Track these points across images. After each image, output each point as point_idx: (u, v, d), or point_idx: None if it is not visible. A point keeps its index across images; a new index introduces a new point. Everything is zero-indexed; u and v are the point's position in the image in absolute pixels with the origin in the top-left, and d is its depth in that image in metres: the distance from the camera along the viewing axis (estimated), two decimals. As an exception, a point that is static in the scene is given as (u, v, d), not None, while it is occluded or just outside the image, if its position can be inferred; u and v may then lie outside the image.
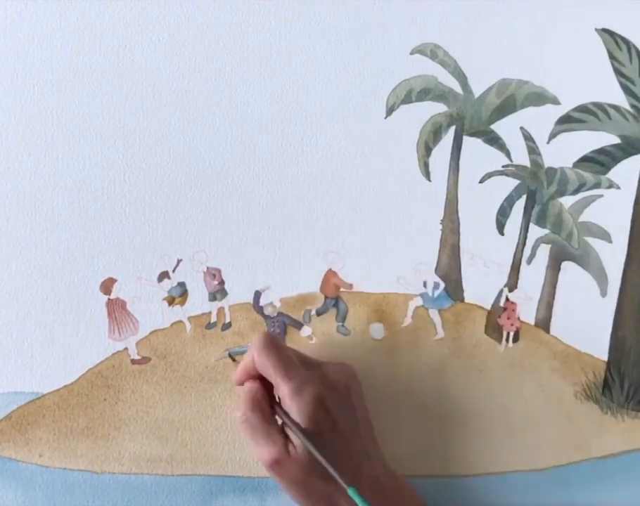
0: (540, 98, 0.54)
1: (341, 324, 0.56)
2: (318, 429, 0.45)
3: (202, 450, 0.55)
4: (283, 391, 0.45)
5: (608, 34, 0.54)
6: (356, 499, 0.42)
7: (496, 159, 0.55)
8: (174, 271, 0.54)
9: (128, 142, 0.53)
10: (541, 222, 0.56)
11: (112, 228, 0.54)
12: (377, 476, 0.47)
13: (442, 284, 0.56)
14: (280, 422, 0.47)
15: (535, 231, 0.56)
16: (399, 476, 0.49)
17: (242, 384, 0.49)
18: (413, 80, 0.54)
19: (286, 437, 0.45)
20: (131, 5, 0.52)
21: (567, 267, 0.56)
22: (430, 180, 0.55)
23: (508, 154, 0.55)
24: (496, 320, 0.56)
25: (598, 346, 0.56)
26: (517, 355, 0.56)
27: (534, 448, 0.55)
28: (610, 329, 0.56)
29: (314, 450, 0.44)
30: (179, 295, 0.55)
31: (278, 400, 0.48)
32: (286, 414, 0.46)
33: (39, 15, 0.52)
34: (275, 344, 0.48)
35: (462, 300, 0.56)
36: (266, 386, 0.48)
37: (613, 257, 0.56)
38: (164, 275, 0.54)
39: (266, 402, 0.47)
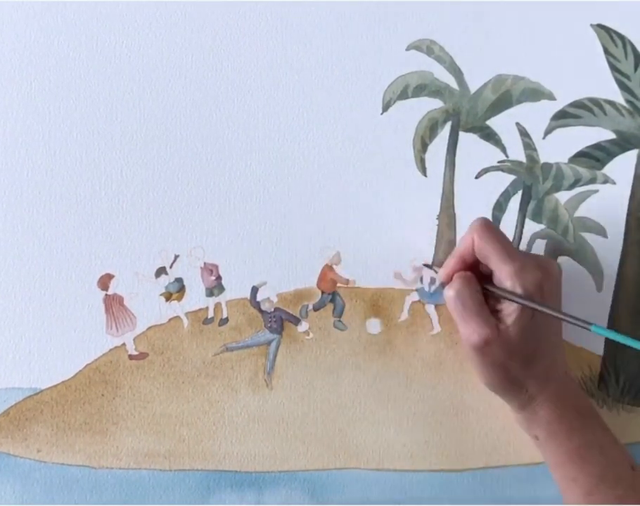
0: (536, 93, 0.55)
1: (338, 319, 0.56)
2: (531, 312, 0.46)
3: (200, 445, 0.55)
4: (505, 271, 0.46)
5: (603, 30, 0.54)
6: (603, 332, 0.44)
7: (492, 154, 0.55)
8: (171, 267, 0.54)
9: (125, 138, 0.53)
10: (537, 217, 0.56)
11: (110, 224, 0.54)
12: (564, 371, 0.49)
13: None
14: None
15: (531, 226, 0.56)
16: (576, 382, 0.51)
17: (450, 278, 0.49)
18: (409, 76, 0.54)
19: (496, 318, 0.46)
20: (131, 7, 0.52)
21: (563, 262, 0.56)
22: (426, 176, 0.55)
23: (503, 150, 0.55)
24: (493, 315, 0.56)
25: (594, 341, 0.56)
26: (514, 350, 0.56)
27: (529, 442, 0.55)
28: (605, 324, 0.56)
29: (545, 308, 0.45)
30: (177, 291, 0.55)
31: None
32: (503, 289, 0.46)
33: (39, 15, 0.52)
34: (495, 228, 0.48)
35: (458, 295, 0.56)
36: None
37: (609, 252, 0.56)
38: (161, 271, 0.54)
39: (478, 286, 0.48)
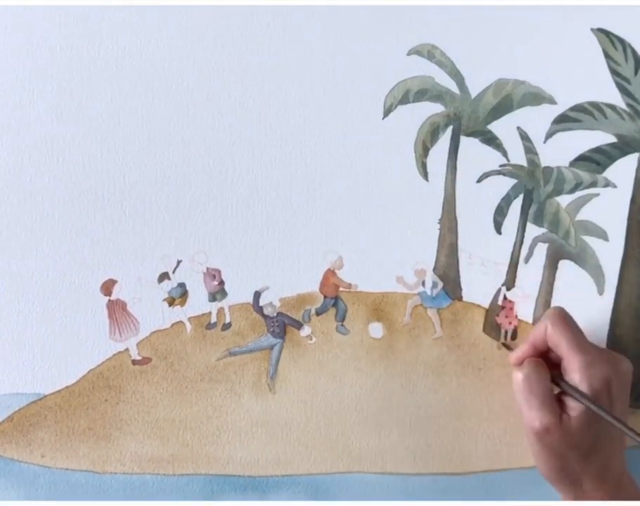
0: (536, 97, 0.55)
1: (340, 323, 0.56)
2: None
3: (204, 449, 0.55)
4: (575, 362, 0.47)
5: (603, 34, 0.54)
6: None
7: (493, 158, 0.55)
8: (174, 272, 0.54)
9: (128, 143, 0.53)
10: (538, 221, 0.56)
11: (113, 230, 0.54)
12: (622, 471, 0.49)
13: (441, 284, 0.56)
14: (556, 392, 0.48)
15: (532, 230, 0.56)
16: (636, 482, 0.50)
17: (521, 362, 0.50)
18: (411, 81, 0.54)
19: (561, 409, 0.47)
20: (132, 11, 0.53)
21: (565, 265, 0.56)
22: (427, 180, 0.55)
23: (505, 154, 0.55)
24: (495, 319, 0.56)
25: (596, 344, 0.56)
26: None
27: (532, 445, 0.56)
28: (607, 327, 0.56)
29: (604, 412, 0.45)
30: (179, 296, 0.55)
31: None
32: (569, 385, 0.47)
33: (40, 18, 0.52)
34: (570, 318, 0.49)
35: (460, 299, 0.56)
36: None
37: (610, 255, 0.56)
38: (164, 276, 0.54)
39: (548, 374, 0.48)
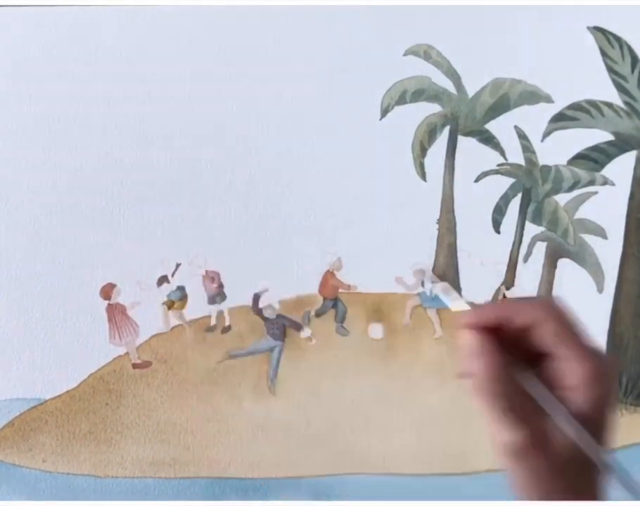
0: (533, 96, 0.55)
1: (340, 324, 0.56)
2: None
3: (205, 452, 0.55)
4: (577, 369, 0.29)
5: (600, 32, 0.54)
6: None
7: (491, 158, 0.55)
8: (173, 275, 0.54)
9: (127, 148, 0.53)
10: (536, 220, 0.56)
11: (111, 234, 0.54)
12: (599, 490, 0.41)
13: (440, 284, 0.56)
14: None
15: (531, 229, 0.56)
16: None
17: (476, 327, 0.33)
18: (407, 81, 0.54)
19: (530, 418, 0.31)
20: (132, 11, 0.53)
21: (564, 264, 0.56)
22: (425, 180, 0.55)
23: (502, 153, 0.55)
24: (494, 318, 0.56)
25: (596, 342, 0.56)
26: (516, 352, 0.56)
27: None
28: (607, 325, 0.56)
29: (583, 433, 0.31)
30: (179, 299, 0.55)
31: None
32: (554, 404, 0.32)
33: (39, 21, 0.52)
34: (571, 314, 0.37)
35: (460, 299, 0.56)
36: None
37: (609, 253, 0.56)
38: (163, 280, 0.54)
39: (509, 374, 0.32)
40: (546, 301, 0.34)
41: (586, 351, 0.31)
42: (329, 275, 0.55)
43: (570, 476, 0.32)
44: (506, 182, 0.55)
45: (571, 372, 0.32)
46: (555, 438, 0.31)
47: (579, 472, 0.32)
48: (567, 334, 0.32)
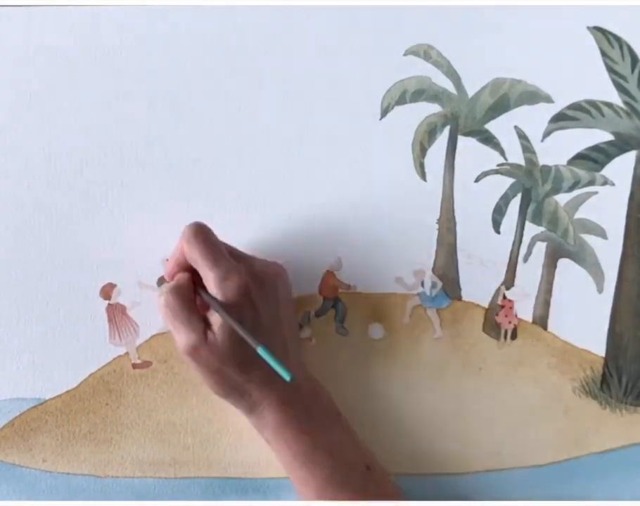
0: (533, 96, 0.55)
1: (340, 325, 0.56)
2: (240, 318, 0.45)
3: (205, 452, 0.55)
4: (209, 278, 0.46)
5: (600, 32, 0.54)
6: (267, 357, 0.43)
7: (491, 158, 0.55)
8: (173, 275, 0.54)
9: (126, 146, 0.54)
10: (536, 220, 0.56)
11: (112, 233, 0.54)
12: (291, 367, 0.48)
13: (440, 284, 0.56)
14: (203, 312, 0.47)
15: (531, 229, 0.56)
16: (316, 382, 0.51)
17: (173, 278, 0.49)
18: (407, 81, 0.54)
19: (206, 325, 0.46)
20: (132, 12, 0.53)
21: (564, 264, 0.56)
22: (425, 180, 0.55)
23: (502, 153, 0.55)
24: (494, 318, 0.56)
25: (596, 342, 0.56)
26: (516, 352, 0.57)
27: (533, 444, 0.56)
28: (607, 325, 0.56)
29: (230, 319, 0.44)
30: (179, 299, 0.55)
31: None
32: (209, 295, 0.46)
33: (38, 21, 0.52)
34: (205, 233, 0.48)
35: (459, 299, 0.56)
36: (196, 281, 0.48)
37: (609, 253, 0.56)
38: (163, 280, 0.54)
39: (190, 291, 0.47)
40: (185, 231, 0.47)
41: (213, 260, 0.46)
42: (329, 275, 0.55)
43: (237, 362, 0.46)
44: (506, 182, 0.55)
45: (205, 280, 0.46)
46: (214, 337, 0.45)
47: (244, 357, 0.45)
48: (197, 252, 0.46)
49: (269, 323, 0.47)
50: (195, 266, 0.47)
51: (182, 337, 0.46)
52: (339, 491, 0.47)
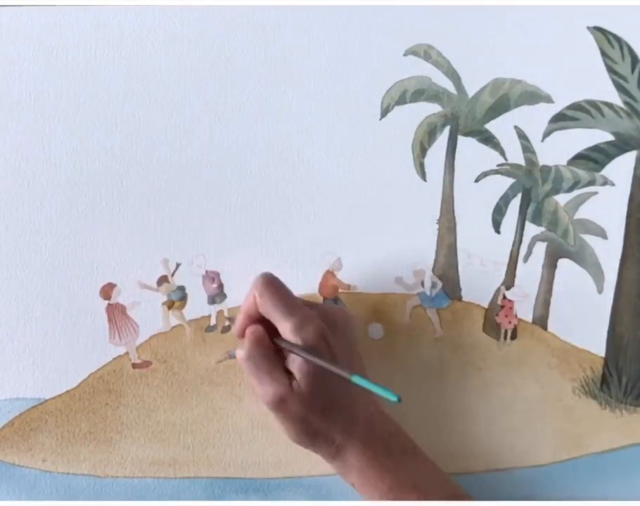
0: (533, 96, 0.55)
1: (340, 325, 0.56)
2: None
3: (205, 452, 0.55)
4: (285, 327, 0.46)
5: (599, 32, 0.54)
6: (365, 384, 0.43)
7: (491, 158, 0.55)
8: (173, 275, 0.55)
9: (126, 147, 0.53)
10: (536, 220, 0.56)
11: (111, 233, 0.54)
12: (371, 413, 0.49)
13: (440, 284, 0.56)
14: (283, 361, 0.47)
15: (531, 229, 0.56)
16: (392, 419, 0.50)
17: (243, 333, 0.49)
18: (407, 81, 0.54)
19: (289, 375, 0.46)
20: (131, 11, 0.53)
21: (564, 264, 0.56)
22: (425, 180, 0.55)
23: (502, 153, 0.55)
24: (494, 318, 0.56)
25: (596, 342, 0.56)
26: (516, 352, 0.57)
27: (533, 444, 0.56)
28: (607, 325, 0.56)
29: (317, 359, 0.45)
30: (179, 299, 0.55)
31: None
32: (289, 342, 0.46)
33: (37, 21, 0.52)
34: (276, 284, 0.48)
35: (460, 299, 0.56)
36: (269, 332, 0.48)
37: (609, 253, 0.56)
38: (163, 280, 0.54)
39: (269, 341, 0.47)
40: (256, 283, 0.48)
41: (286, 309, 0.46)
42: (329, 275, 0.55)
43: (320, 408, 0.46)
44: (506, 182, 0.55)
45: (282, 329, 0.46)
46: (299, 385, 0.45)
47: (327, 402, 0.46)
48: (271, 303, 0.47)
49: (344, 363, 0.47)
50: (268, 317, 0.47)
51: (268, 389, 0.46)
52: None
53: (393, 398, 0.42)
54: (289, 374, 0.46)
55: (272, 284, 0.48)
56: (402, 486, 0.48)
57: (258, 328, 0.48)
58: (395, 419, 0.50)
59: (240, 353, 0.47)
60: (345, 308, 0.51)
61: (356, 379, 0.43)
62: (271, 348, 0.47)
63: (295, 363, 0.46)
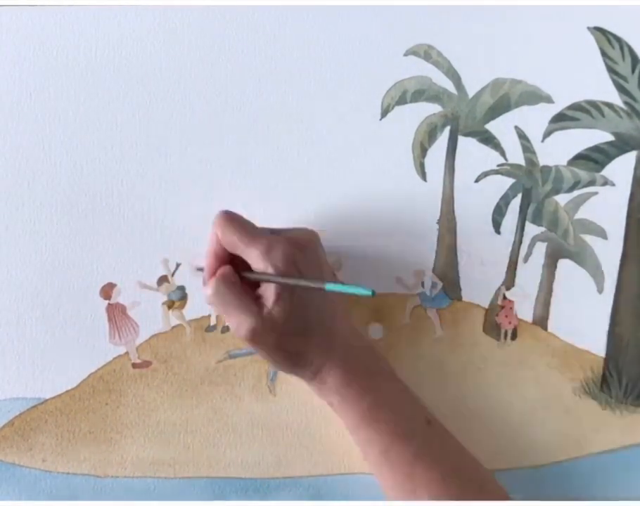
0: (534, 96, 0.55)
1: (340, 325, 0.56)
2: (290, 288, 0.46)
3: (205, 452, 0.55)
4: (253, 254, 0.46)
5: (600, 32, 0.54)
6: (338, 287, 0.43)
7: (491, 158, 0.55)
8: (173, 275, 0.55)
9: (127, 147, 0.54)
10: (537, 220, 0.56)
11: (112, 233, 0.54)
12: (348, 335, 0.49)
13: (440, 284, 0.56)
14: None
15: (531, 229, 0.56)
16: (372, 344, 0.51)
17: (214, 273, 0.48)
18: (408, 81, 0.54)
19: (259, 305, 0.46)
20: (131, 11, 0.53)
21: (564, 264, 0.56)
22: (425, 181, 0.55)
23: (502, 153, 0.55)
24: (494, 318, 0.56)
25: (596, 343, 0.56)
26: (516, 352, 0.57)
27: (533, 444, 0.56)
28: (607, 326, 0.56)
29: (287, 279, 0.45)
30: (179, 299, 0.55)
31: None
32: (257, 273, 0.46)
33: (37, 21, 0.52)
34: (236, 216, 0.48)
35: (460, 299, 0.56)
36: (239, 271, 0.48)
37: (609, 254, 0.56)
38: (163, 280, 0.54)
39: (235, 277, 0.47)
40: (216, 220, 0.47)
41: (251, 238, 0.46)
42: (329, 275, 0.55)
43: (296, 333, 0.46)
44: (506, 182, 0.55)
45: (249, 259, 0.46)
46: (270, 312, 0.45)
47: (302, 325, 0.46)
48: (234, 236, 0.46)
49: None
50: (234, 251, 0.47)
51: (239, 321, 0.46)
52: (404, 446, 0.47)
53: (367, 293, 0.41)
54: (260, 305, 0.46)
55: (233, 218, 0.47)
56: (379, 407, 0.48)
57: (225, 267, 0.48)
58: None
59: (206, 291, 0.47)
60: (312, 231, 0.50)
61: (329, 287, 0.43)
62: (238, 282, 0.47)
63: (267, 292, 0.46)
